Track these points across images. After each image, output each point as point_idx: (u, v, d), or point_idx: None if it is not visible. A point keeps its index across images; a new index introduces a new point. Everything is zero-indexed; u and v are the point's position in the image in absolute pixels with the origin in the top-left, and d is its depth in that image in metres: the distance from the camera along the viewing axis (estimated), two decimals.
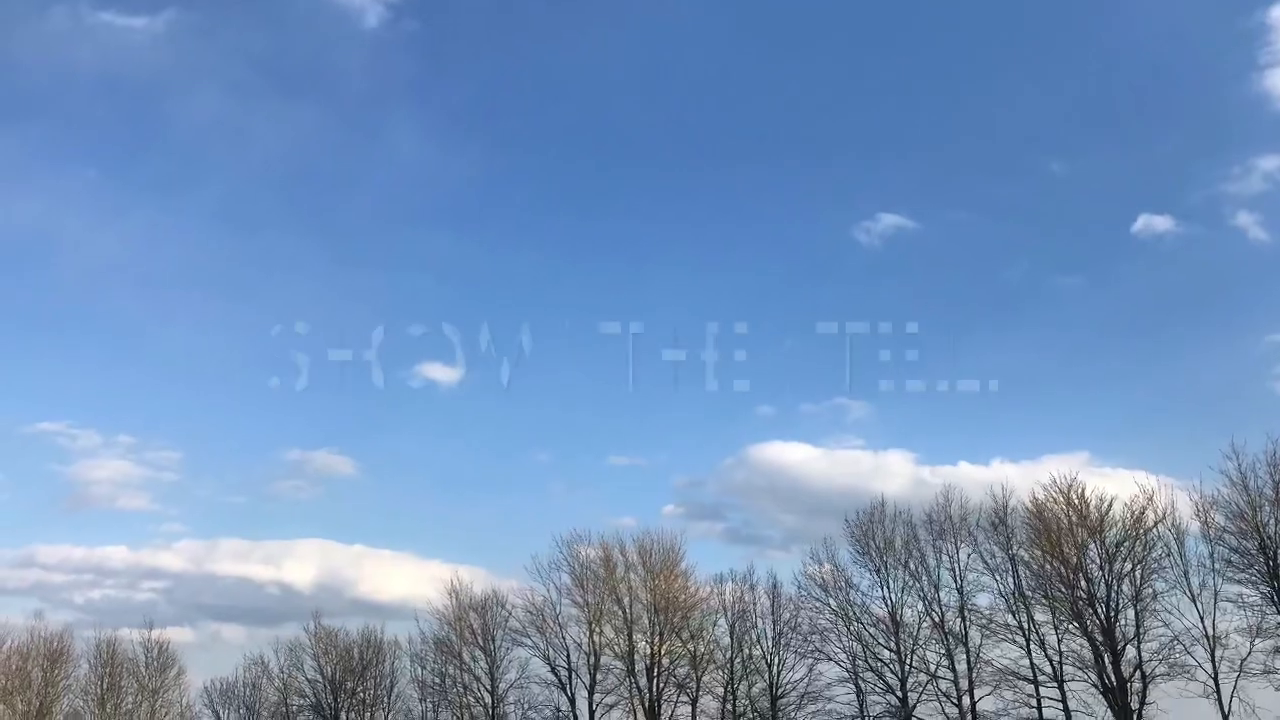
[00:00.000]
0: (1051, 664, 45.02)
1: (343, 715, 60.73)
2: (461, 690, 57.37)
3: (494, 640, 56.80)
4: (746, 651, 52.28)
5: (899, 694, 47.75)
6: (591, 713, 53.34)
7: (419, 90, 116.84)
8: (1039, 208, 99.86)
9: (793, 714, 50.80)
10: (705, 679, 52.55)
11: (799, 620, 51.33)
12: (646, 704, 52.10)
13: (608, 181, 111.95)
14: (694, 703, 52.27)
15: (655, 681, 52.33)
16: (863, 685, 49.00)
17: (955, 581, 47.71)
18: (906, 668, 47.94)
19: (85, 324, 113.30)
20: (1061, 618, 45.03)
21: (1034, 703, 45.27)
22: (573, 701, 54.22)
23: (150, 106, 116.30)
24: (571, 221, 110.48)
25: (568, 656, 54.33)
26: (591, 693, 53.37)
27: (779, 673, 51.26)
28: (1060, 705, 44.54)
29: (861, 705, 48.95)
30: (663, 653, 52.68)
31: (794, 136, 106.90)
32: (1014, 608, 46.13)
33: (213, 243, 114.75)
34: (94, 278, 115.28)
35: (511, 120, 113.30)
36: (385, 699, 60.95)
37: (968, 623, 47.21)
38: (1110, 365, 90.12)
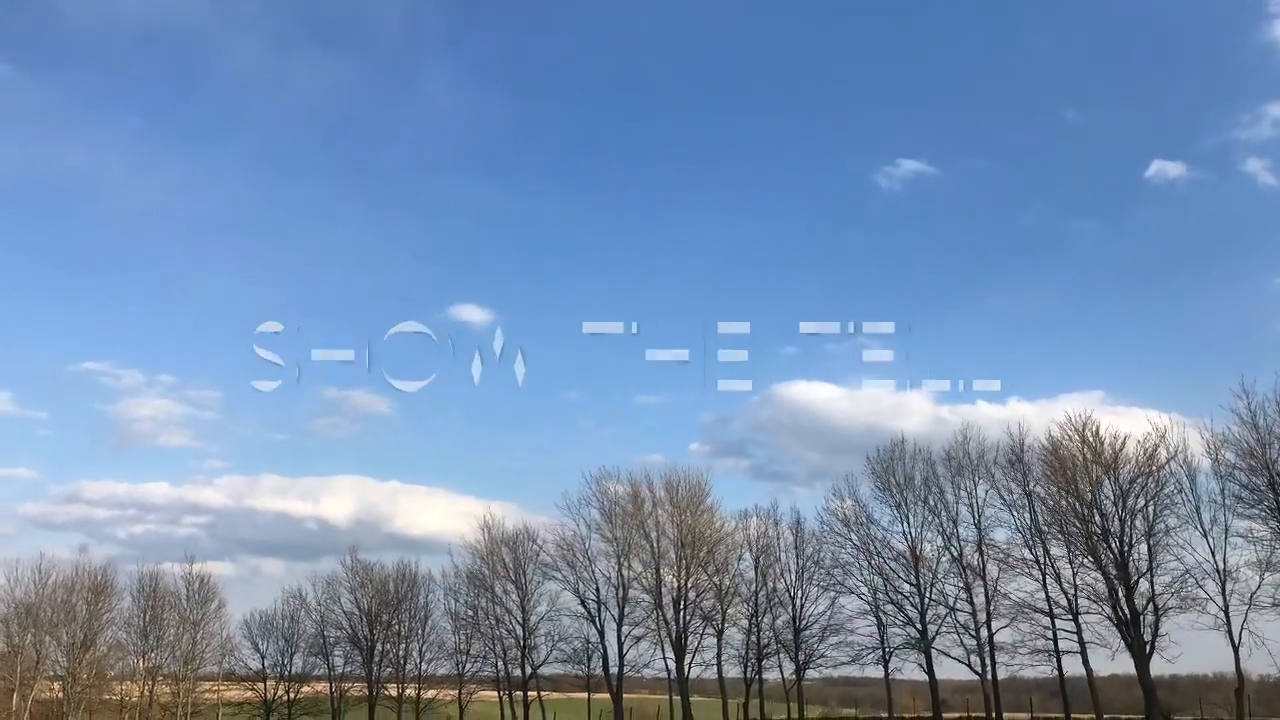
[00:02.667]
0: (1067, 597, 46.65)
1: (378, 647, 63.04)
2: (494, 622, 59.55)
3: (525, 574, 58.88)
4: (770, 585, 54.25)
5: (918, 626, 49.61)
6: (620, 644, 55.53)
7: (451, 40, 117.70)
8: (1054, 155, 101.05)
9: (815, 645, 52.86)
10: (730, 611, 54.58)
11: (821, 555, 53.24)
12: (673, 636, 54.11)
13: (635, 128, 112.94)
14: (719, 634, 54.33)
15: (682, 614, 54.31)
16: (883, 618, 50.93)
17: (973, 517, 49.30)
18: (926, 601, 49.78)
19: (127, 266, 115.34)
20: (1076, 552, 46.59)
21: (1050, 634, 46.97)
22: (602, 634, 56.38)
23: (191, 55, 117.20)
24: (600, 167, 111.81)
25: (597, 590, 56.41)
26: (620, 625, 55.50)
27: (802, 605, 53.28)
28: (1075, 637, 46.22)
29: (882, 637, 50.92)
30: (689, 586, 54.63)
31: (817, 84, 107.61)
32: (1030, 542, 47.74)
33: (252, 188, 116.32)
34: (136, 222, 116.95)
35: (541, 69, 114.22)
36: (420, 630, 63.27)
37: (985, 557, 48.91)
38: (1124, 307, 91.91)
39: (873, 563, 51.30)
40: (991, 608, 48.42)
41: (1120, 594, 44.94)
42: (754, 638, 53.84)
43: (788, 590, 53.66)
